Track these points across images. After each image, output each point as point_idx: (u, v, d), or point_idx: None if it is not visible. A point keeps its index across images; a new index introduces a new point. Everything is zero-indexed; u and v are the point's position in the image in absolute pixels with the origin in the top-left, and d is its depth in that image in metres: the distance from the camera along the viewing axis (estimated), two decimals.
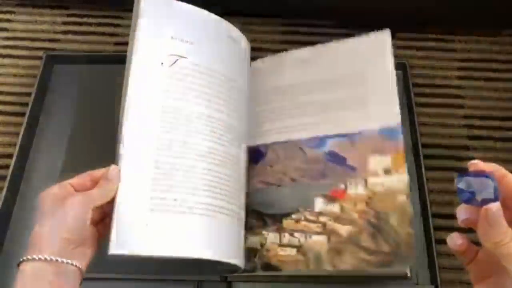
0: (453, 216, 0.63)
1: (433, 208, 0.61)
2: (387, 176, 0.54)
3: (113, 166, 0.46)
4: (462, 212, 0.35)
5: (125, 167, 0.47)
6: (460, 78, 0.72)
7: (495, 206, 0.32)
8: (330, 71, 0.62)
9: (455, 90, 0.71)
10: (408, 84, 0.68)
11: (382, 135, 0.56)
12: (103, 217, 0.46)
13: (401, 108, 0.66)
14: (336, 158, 0.57)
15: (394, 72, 0.58)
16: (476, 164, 0.35)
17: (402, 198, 0.52)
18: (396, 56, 0.73)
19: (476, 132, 0.68)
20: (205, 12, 0.57)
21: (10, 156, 0.63)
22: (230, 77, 0.57)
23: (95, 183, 0.45)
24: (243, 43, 0.62)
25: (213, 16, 0.58)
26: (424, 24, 0.75)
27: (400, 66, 0.70)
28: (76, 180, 0.45)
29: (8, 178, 0.60)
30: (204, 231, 0.49)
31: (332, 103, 0.60)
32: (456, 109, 0.70)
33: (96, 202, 0.43)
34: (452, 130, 0.68)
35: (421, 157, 0.62)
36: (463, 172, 0.34)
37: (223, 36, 0.59)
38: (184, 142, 0.50)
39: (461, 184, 0.34)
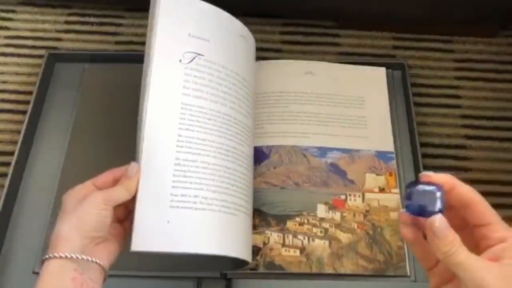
0: None
1: None
2: (382, 194, 0.61)
3: (133, 163, 0.46)
4: (406, 224, 0.36)
5: (146, 164, 0.47)
6: (458, 78, 0.73)
7: (438, 219, 0.33)
8: (333, 87, 0.67)
9: (453, 90, 0.72)
10: (406, 84, 0.68)
11: (378, 157, 0.63)
12: (128, 214, 0.47)
13: (400, 108, 0.68)
14: (337, 170, 0.62)
15: (388, 105, 0.66)
16: (427, 175, 0.35)
17: (394, 214, 0.59)
18: (394, 56, 0.74)
19: (474, 132, 0.68)
20: (219, 10, 0.57)
21: (11, 153, 0.63)
22: (242, 76, 0.57)
23: (117, 181, 0.45)
24: (252, 43, 0.63)
25: (226, 15, 0.58)
26: (422, 25, 0.75)
27: (399, 66, 0.70)
28: (98, 179, 0.45)
29: (9, 175, 0.61)
30: (224, 228, 0.50)
31: (334, 118, 0.65)
32: (454, 109, 0.70)
33: (117, 200, 0.43)
34: (450, 130, 0.69)
35: (419, 157, 0.63)
36: (414, 182, 0.35)
37: (235, 35, 0.59)
38: (203, 139, 0.50)
39: (409, 195, 0.35)
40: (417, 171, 0.63)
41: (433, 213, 0.33)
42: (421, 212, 0.34)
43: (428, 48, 0.75)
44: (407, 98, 0.68)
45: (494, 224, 0.34)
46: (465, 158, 0.67)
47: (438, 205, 0.33)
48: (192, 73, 0.52)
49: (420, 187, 0.34)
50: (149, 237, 0.45)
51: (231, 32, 0.58)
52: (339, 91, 0.67)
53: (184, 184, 0.48)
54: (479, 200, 0.35)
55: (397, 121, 0.66)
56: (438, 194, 0.34)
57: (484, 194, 0.65)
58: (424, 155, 0.65)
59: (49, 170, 0.63)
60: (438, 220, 0.33)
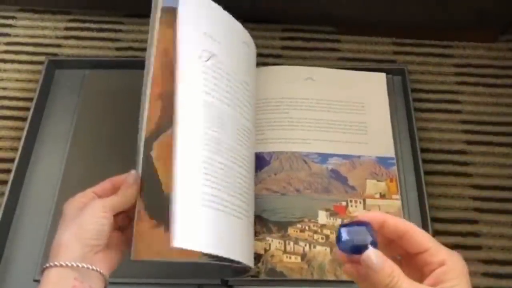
0: (451, 221, 0.64)
1: (432, 212, 0.62)
2: (383, 200, 0.60)
3: (132, 172, 0.46)
4: (344, 265, 0.36)
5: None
6: (458, 83, 0.73)
7: (371, 253, 0.33)
8: (333, 93, 0.67)
9: (453, 95, 0.72)
10: (406, 89, 0.68)
11: (378, 163, 0.62)
12: (129, 222, 0.47)
13: (400, 113, 0.68)
14: (338, 176, 0.62)
15: (388, 111, 0.66)
16: (356, 216, 0.36)
17: None
18: (395, 62, 0.74)
19: (474, 137, 0.68)
20: (228, 14, 0.57)
21: (11, 160, 0.63)
22: (246, 82, 0.57)
23: (116, 189, 0.45)
24: (253, 49, 0.63)
25: (234, 20, 0.58)
26: (422, 30, 0.75)
27: (399, 71, 0.70)
28: (98, 187, 0.45)
29: (10, 182, 0.61)
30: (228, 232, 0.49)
31: (335, 124, 0.64)
32: (454, 114, 0.70)
33: (117, 208, 0.44)
34: (450, 135, 0.69)
35: (420, 162, 0.63)
36: (343, 225, 0.35)
37: (240, 40, 0.59)
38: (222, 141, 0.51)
39: (339, 236, 0.35)
40: (418, 176, 0.63)
41: (366, 248, 0.34)
42: (354, 250, 0.34)
43: (428, 54, 0.75)
44: (407, 103, 0.68)
45: (431, 249, 0.34)
46: (465, 163, 0.67)
47: (369, 239, 0.34)
48: (209, 72, 0.51)
49: (349, 227, 0.35)
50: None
51: (237, 37, 0.58)
52: (339, 96, 0.67)
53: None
54: (412, 228, 0.35)
55: (397, 127, 0.66)
56: (367, 229, 0.34)
57: (485, 199, 0.65)
58: (425, 161, 0.65)
59: (50, 177, 0.63)
60: (372, 254, 0.33)
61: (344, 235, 0.35)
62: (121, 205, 0.44)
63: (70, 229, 0.41)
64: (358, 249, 0.34)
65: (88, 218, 0.41)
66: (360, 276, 0.35)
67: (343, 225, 0.36)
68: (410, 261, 0.35)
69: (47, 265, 0.40)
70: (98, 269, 0.41)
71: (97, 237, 0.42)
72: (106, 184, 0.46)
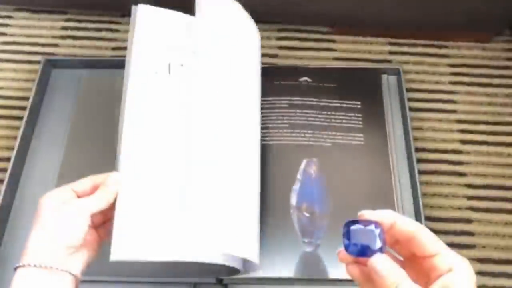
0: (445, 220, 0.64)
1: (426, 211, 0.62)
2: None
3: (113, 172, 0.46)
4: (347, 265, 0.35)
5: (126, 171, 0.47)
6: (452, 83, 0.73)
7: (379, 258, 0.32)
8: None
9: (447, 95, 0.72)
10: (402, 89, 0.69)
11: None
12: (105, 221, 0.46)
13: (395, 113, 0.68)
14: None
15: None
16: (364, 215, 0.35)
17: None
18: (390, 62, 0.75)
19: (469, 136, 0.69)
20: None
21: (7, 159, 0.63)
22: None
23: (96, 188, 0.45)
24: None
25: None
26: (418, 30, 0.76)
27: (394, 71, 0.70)
28: (77, 185, 0.45)
29: (6, 181, 0.61)
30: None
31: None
32: (449, 114, 0.70)
33: (93, 209, 0.43)
34: (445, 135, 0.69)
35: (414, 161, 0.63)
36: (351, 222, 0.34)
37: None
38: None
39: (347, 234, 0.34)
40: (412, 175, 0.63)
41: (373, 252, 0.33)
42: (362, 252, 0.33)
43: (423, 54, 0.75)
44: (402, 103, 0.68)
45: (440, 254, 0.33)
46: (460, 163, 0.67)
47: (378, 243, 0.33)
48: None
49: (358, 226, 0.33)
50: (128, 245, 0.44)
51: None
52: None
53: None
54: (421, 231, 0.34)
55: (392, 126, 0.67)
56: (377, 232, 0.33)
57: (479, 198, 0.66)
58: (419, 160, 0.65)
59: (46, 176, 0.63)
60: (380, 260, 0.32)
61: (353, 238, 0.33)
62: (99, 206, 0.43)
63: (45, 229, 0.41)
64: (366, 253, 0.33)
65: (64, 221, 0.41)
66: (364, 278, 0.35)
67: (350, 222, 0.34)
68: (417, 264, 0.35)
69: (20, 264, 0.40)
70: (71, 271, 0.41)
71: (72, 240, 0.41)
72: (86, 182, 0.45)
